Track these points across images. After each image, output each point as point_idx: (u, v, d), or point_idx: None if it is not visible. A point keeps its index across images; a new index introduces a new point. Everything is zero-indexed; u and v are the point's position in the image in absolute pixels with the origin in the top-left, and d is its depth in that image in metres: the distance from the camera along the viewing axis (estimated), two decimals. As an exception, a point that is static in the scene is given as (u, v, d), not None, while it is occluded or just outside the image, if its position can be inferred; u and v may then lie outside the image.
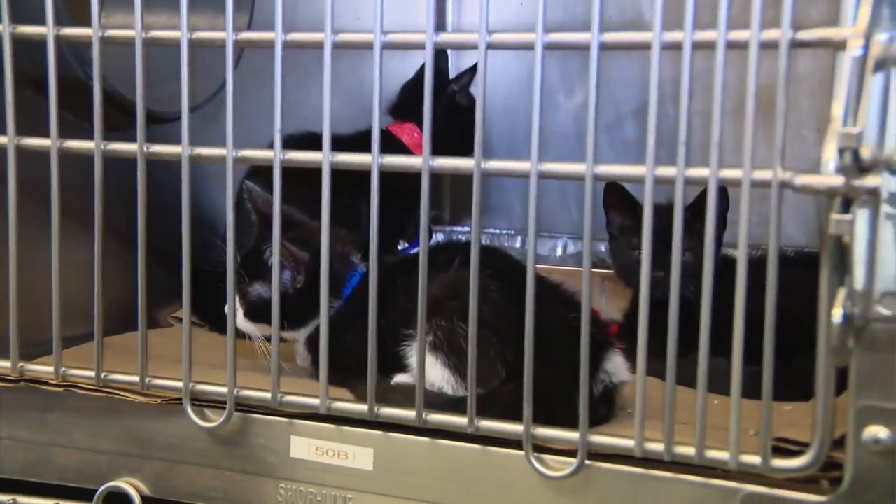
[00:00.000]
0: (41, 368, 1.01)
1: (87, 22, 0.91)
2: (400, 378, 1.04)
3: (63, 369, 0.99)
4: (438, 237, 1.91)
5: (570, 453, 0.84)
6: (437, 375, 0.99)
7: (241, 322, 1.09)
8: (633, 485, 0.84)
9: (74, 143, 0.93)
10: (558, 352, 0.89)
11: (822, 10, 1.32)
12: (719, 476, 0.82)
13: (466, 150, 0.82)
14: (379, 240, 0.86)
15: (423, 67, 0.83)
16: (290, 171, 0.88)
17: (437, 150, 0.83)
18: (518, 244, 1.87)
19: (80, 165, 0.95)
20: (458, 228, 1.96)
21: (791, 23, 0.72)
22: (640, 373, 0.80)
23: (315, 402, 0.91)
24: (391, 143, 1.54)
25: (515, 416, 0.85)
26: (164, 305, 1.41)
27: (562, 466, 0.85)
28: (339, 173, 0.86)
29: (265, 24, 0.89)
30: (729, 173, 0.75)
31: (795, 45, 0.72)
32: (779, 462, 0.78)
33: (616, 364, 1.01)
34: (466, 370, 0.86)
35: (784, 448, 0.81)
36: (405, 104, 1.61)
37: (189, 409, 0.95)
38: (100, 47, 0.91)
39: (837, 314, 0.72)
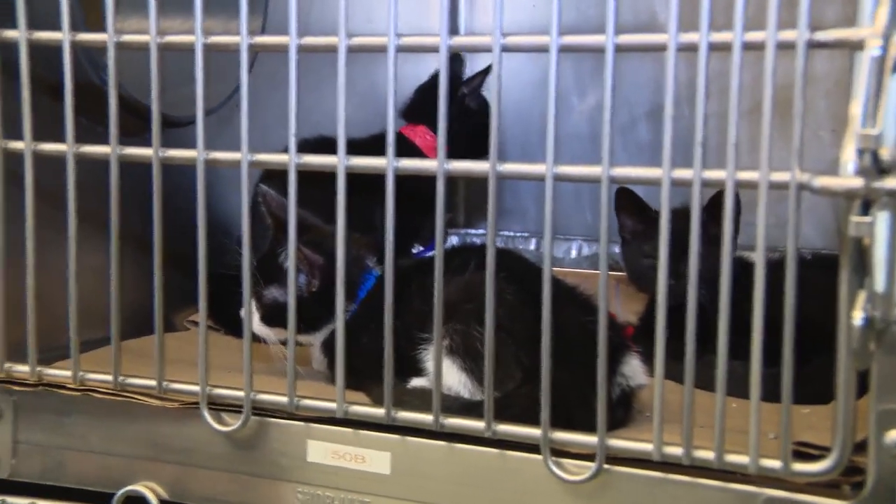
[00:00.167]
0: (59, 373, 1.01)
1: (99, 27, 0.91)
2: (416, 382, 1.04)
3: (80, 373, 0.99)
4: (453, 240, 1.91)
5: (588, 457, 0.83)
6: (454, 379, 0.99)
7: (257, 326, 1.10)
8: (652, 489, 0.84)
9: (90, 149, 0.94)
10: (574, 355, 0.89)
11: (837, 11, 1.31)
12: (739, 480, 0.81)
13: (475, 153, 0.82)
14: (394, 243, 0.86)
15: (438, 70, 0.82)
16: (303, 175, 0.88)
17: (448, 153, 0.83)
18: (532, 247, 1.87)
19: (94, 170, 0.95)
20: (473, 231, 1.96)
21: (808, 23, 0.71)
22: (658, 376, 0.79)
23: (332, 405, 0.91)
24: (404, 146, 1.54)
25: (532, 420, 0.84)
26: (179, 309, 1.41)
27: (580, 470, 0.84)
28: (352, 177, 0.86)
29: (278, 27, 0.89)
30: (746, 175, 0.74)
31: (813, 45, 0.71)
32: (799, 466, 0.77)
33: (633, 367, 1.01)
34: (483, 373, 0.86)
35: (804, 452, 0.80)
36: (417, 106, 1.60)
37: (206, 413, 0.95)
38: (115, 52, 0.91)
39: (858, 317, 0.71)
